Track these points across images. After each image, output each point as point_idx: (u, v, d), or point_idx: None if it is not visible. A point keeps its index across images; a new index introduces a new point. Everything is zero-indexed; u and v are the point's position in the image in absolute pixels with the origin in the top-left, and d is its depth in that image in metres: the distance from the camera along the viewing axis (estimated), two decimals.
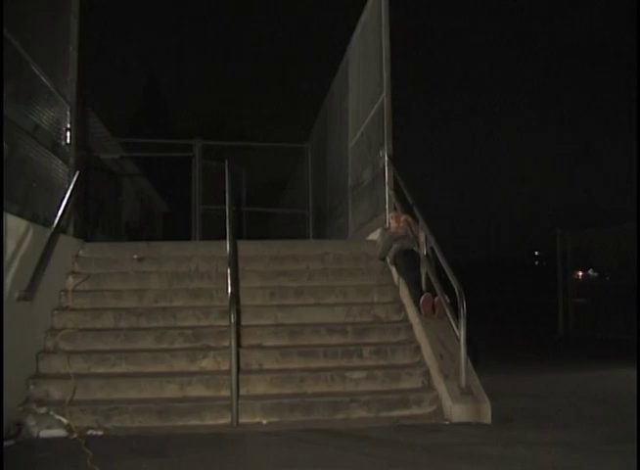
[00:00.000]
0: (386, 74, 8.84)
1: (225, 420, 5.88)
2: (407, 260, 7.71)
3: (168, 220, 24.59)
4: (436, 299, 6.93)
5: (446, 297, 6.66)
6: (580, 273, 18.15)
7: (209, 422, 5.93)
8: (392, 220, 8.29)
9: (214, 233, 12.76)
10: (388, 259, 8.24)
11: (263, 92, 57.72)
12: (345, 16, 11.12)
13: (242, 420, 5.88)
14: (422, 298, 7.12)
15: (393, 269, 8.16)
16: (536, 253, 45.15)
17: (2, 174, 5.59)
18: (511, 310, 21.23)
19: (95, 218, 14.15)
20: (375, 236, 9.12)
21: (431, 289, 7.12)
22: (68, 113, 8.26)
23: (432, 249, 7.31)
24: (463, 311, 6.01)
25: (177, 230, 18.41)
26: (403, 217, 8.14)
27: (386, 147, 8.84)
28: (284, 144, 16.62)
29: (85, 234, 9.90)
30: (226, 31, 66.31)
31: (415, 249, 7.69)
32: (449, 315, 6.41)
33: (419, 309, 7.14)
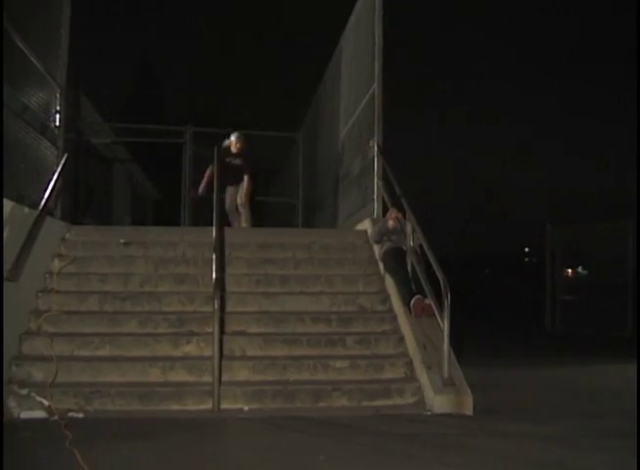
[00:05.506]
0: (377, 65, 8.83)
1: (207, 406, 5.88)
2: (397, 259, 7.69)
3: (159, 207, 24.51)
4: (427, 301, 6.89)
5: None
6: (570, 271, 18.09)
7: (191, 407, 5.93)
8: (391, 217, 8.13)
9: (203, 220, 12.71)
10: (377, 255, 8.24)
11: (257, 81, 57.46)
12: (340, 4, 11.07)
13: (223, 406, 5.89)
14: (413, 300, 7.08)
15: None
16: (526, 249, 45.07)
17: (2, 162, 5.57)
18: (499, 306, 21.24)
19: (85, 203, 14.09)
20: (363, 226, 9.14)
21: (419, 288, 7.08)
22: (58, 95, 8.24)
23: (420, 245, 7.30)
24: (447, 303, 6.02)
25: (167, 217, 18.33)
26: (394, 214, 8.05)
27: (376, 137, 8.83)
28: (275, 133, 16.52)
29: (74, 217, 9.88)
30: (222, 18, 65.95)
31: (404, 247, 7.68)
32: (438, 316, 6.40)
33: (409, 310, 7.12)
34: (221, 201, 11.19)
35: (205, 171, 11.40)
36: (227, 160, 11.13)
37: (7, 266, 5.84)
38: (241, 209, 11.29)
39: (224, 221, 11.25)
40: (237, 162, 11.20)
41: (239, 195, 11.33)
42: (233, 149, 11.20)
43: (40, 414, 5.60)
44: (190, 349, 6.65)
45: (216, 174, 9.02)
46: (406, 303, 7.18)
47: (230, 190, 11.40)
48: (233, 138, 11.25)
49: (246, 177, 11.22)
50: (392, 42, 9.16)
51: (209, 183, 10.91)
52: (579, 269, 18.63)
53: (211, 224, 7.56)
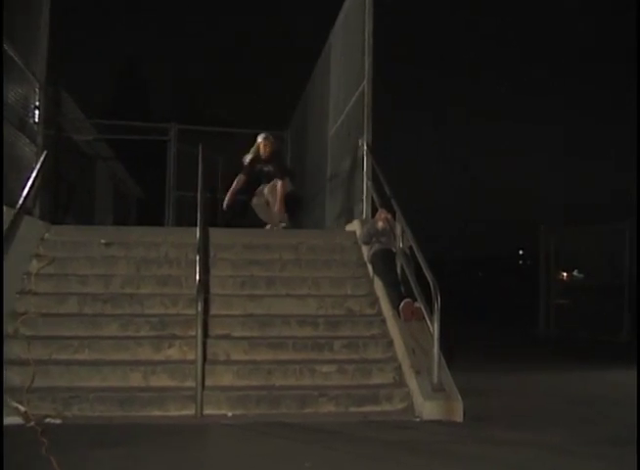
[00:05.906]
0: (368, 62, 8.72)
1: (189, 411, 5.75)
2: (386, 261, 7.58)
3: (142, 205, 24.30)
4: (416, 304, 6.78)
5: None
6: (565, 274, 17.92)
7: (173, 413, 5.79)
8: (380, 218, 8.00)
9: (188, 220, 12.55)
10: (366, 257, 8.11)
11: (244, 78, 57.35)
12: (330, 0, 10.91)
13: (206, 412, 5.76)
14: (402, 303, 6.96)
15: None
16: (520, 252, 45.15)
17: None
18: (492, 310, 21.18)
19: (65, 201, 13.89)
20: (352, 227, 9.02)
21: (409, 291, 6.96)
22: (38, 90, 8.07)
23: (410, 247, 7.19)
24: (437, 306, 5.90)
25: (151, 216, 18.17)
26: (383, 215, 7.95)
27: (365, 136, 8.72)
28: (262, 131, 16.39)
29: (53, 217, 9.72)
30: (207, 15, 65.93)
31: (394, 249, 7.56)
32: (428, 319, 6.29)
33: (398, 314, 6.99)
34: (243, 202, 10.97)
35: (232, 180, 10.61)
36: (258, 167, 10.35)
37: None
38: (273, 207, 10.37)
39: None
40: (268, 168, 10.31)
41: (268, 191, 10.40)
42: (262, 154, 10.23)
43: (16, 420, 5.41)
44: (172, 352, 6.49)
45: (200, 174, 8.82)
46: (395, 306, 7.05)
47: (262, 188, 10.54)
48: (260, 140, 10.31)
49: (280, 183, 10.20)
50: (382, 40, 9.05)
51: (234, 194, 10.49)
52: (575, 273, 18.47)
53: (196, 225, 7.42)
